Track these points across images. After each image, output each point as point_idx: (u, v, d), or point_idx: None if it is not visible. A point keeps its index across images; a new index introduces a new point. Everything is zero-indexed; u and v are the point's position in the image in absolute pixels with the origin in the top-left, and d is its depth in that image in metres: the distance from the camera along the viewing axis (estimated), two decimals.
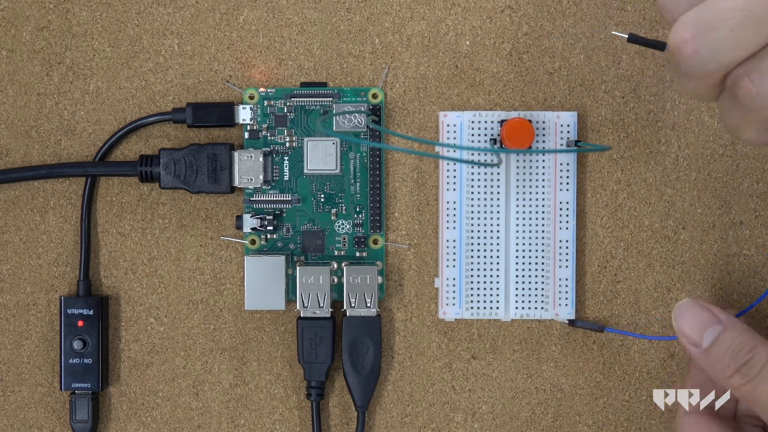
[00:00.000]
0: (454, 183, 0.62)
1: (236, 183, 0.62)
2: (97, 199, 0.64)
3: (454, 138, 0.62)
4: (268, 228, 0.62)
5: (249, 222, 0.63)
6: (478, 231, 0.62)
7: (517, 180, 0.62)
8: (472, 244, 0.62)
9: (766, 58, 0.47)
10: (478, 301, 0.62)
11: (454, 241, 0.62)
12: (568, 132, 0.62)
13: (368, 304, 0.62)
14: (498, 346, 0.64)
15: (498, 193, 0.62)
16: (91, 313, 0.62)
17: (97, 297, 0.63)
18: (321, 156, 0.63)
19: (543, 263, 0.62)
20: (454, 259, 0.62)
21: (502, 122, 0.61)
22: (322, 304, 0.62)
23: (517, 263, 0.62)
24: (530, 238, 0.62)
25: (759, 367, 0.53)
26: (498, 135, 0.62)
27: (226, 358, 0.64)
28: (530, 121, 0.61)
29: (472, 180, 0.62)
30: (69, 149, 0.63)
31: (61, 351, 0.62)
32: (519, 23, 0.63)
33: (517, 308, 0.62)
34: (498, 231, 0.62)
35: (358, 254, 0.63)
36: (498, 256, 0.62)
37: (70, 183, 0.64)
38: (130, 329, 0.64)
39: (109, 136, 0.63)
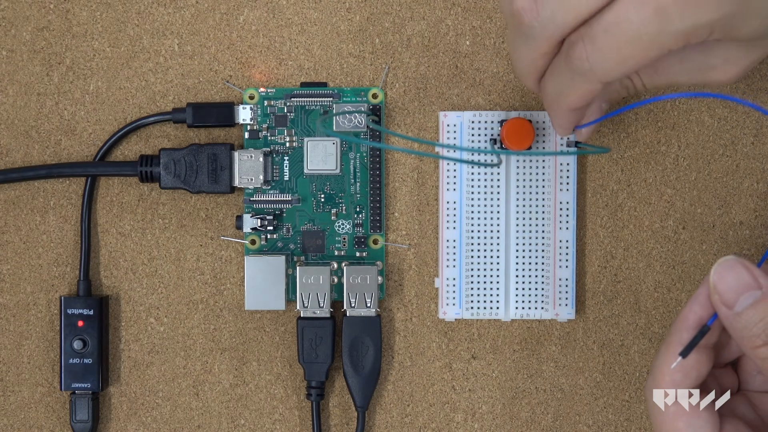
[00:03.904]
0: (454, 183, 0.62)
1: (236, 183, 0.62)
2: (97, 199, 0.64)
3: (454, 138, 0.62)
4: (268, 228, 0.62)
5: (249, 222, 0.63)
6: (478, 231, 0.62)
7: (517, 180, 0.62)
8: (472, 244, 0.62)
9: (597, 22, 0.49)
10: (478, 301, 0.62)
11: (454, 241, 0.62)
12: None
13: (368, 304, 0.62)
14: (498, 346, 0.64)
15: (498, 193, 0.62)
16: (91, 313, 0.62)
17: (97, 297, 0.63)
18: (321, 156, 0.63)
19: (543, 263, 0.62)
20: (454, 259, 0.62)
21: (502, 122, 0.61)
22: (322, 304, 0.62)
23: (517, 263, 0.62)
24: (530, 238, 0.62)
25: None
26: (498, 135, 0.62)
27: (226, 358, 0.64)
28: (530, 121, 0.61)
29: (472, 180, 0.62)
30: (69, 149, 0.63)
31: (61, 351, 0.62)
32: None
33: (517, 308, 0.62)
34: (498, 231, 0.62)
35: (358, 254, 0.63)
36: (498, 256, 0.62)
37: (70, 183, 0.64)
38: (130, 329, 0.64)
39: (109, 136, 0.63)
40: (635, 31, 0.49)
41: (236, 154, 0.62)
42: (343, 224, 0.63)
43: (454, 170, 0.62)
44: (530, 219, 0.62)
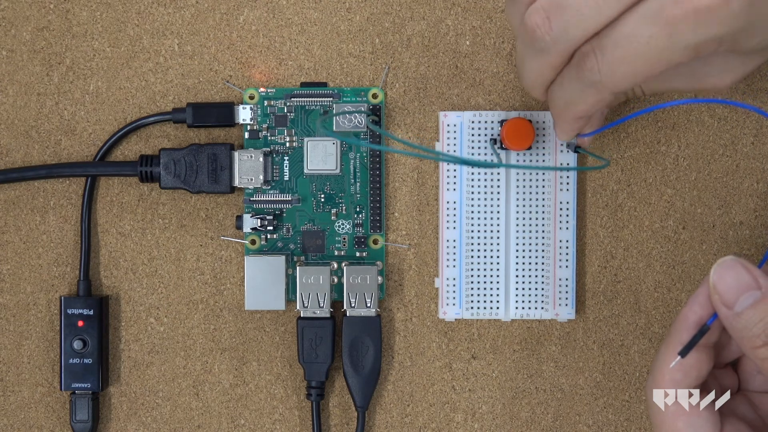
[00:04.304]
0: (454, 183, 0.62)
1: (236, 183, 0.62)
2: (97, 199, 0.64)
3: (455, 138, 0.62)
4: (268, 228, 0.63)
5: (249, 222, 0.63)
6: (478, 231, 0.62)
7: (517, 180, 0.62)
8: (472, 244, 0.62)
9: (608, 35, 0.50)
10: (478, 301, 0.62)
11: (454, 241, 0.62)
12: None
13: (368, 304, 0.62)
14: (498, 346, 0.64)
15: (498, 193, 0.62)
16: (91, 313, 0.62)
17: (97, 297, 0.63)
18: (321, 156, 0.63)
19: (543, 263, 0.62)
20: (454, 259, 0.62)
21: (502, 122, 0.61)
22: (322, 304, 0.62)
23: (517, 263, 0.62)
24: (530, 238, 0.62)
25: None
26: (498, 135, 0.62)
27: (226, 358, 0.64)
28: (530, 121, 0.61)
29: (472, 180, 0.62)
30: (69, 149, 0.63)
31: (61, 351, 0.62)
32: None
33: (517, 308, 0.62)
34: (498, 231, 0.62)
35: (358, 254, 0.63)
36: (498, 256, 0.62)
37: (70, 183, 0.64)
38: (130, 329, 0.64)
39: (109, 136, 0.63)
40: (645, 45, 0.49)
41: (236, 154, 0.62)
42: (343, 224, 0.63)
43: (454, 170, 0.62)
44: (530, 219, 0.62)
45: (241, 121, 0.63)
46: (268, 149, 0.63)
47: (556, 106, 0.55)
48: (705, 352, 0.53)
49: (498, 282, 0.62)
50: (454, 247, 0.62)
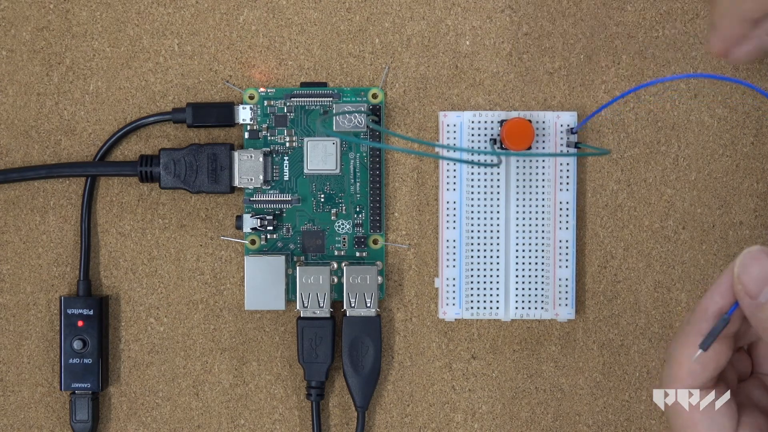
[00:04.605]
0: (454, 183, 0.62)
1: (236, 183, 0.62)
2: (97, 199, 0.64)
3: (454, 138, 0.62)
4: (268, 228, 0.62)
5: (249, 222, 0.63)
6: (478, 231, 0.62)
7: (517, 180, 0.62)
8: (472, 244, 0.62)
9: None
10: (478, 301, 0.62)
11: (454, 241, 0.62)
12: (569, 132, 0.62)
13: (368, 304, 0.62)
14: (498, 346, 0.64)
15: (498, 193, 0.62)
16: (91, 313, 0.62)
17: (97, 297, 0.63)
18: (321, 156, 0.63)
19: (543, 263, 0.62)
20: (454, 259, 0.62)
21: (502, 122, 0.61)
22: (322, 304, 0.62)
23: (517, 263, 0.62)
24: (530, 238, 0.62)
25: None
26: (498, 135, 0.62)
27: (226, 358, 0.64)
28: (530, 121, 0.61)
29: (472, 180, 0.62)
30: (69, 149, 0.64)
31: (61, 351, 0.62)
32: (519, 23, 0.63)
33: (517, 308, 0.62)
34: (498, 231, 0.62)
35: (358, 254, 0.63)
36: (498, 256, 0.62)
37: (70, 183, 0.64)
38: (130, 329, 0.64)
39: (109, 136, 0.63)
40: None
41: (236, 154, 0.62)
42: (343, 224, 0.63)
43: (454, 170, 0.62)
44: (530, 219, 0.62)
45: (241, 121, 0.63)
46: (268, 149, 0.63)
47: (721, 3, 0.55)
48: (725, 343, 0.52)
49: (498, 282, 0.62)
50: (454, 247, 0.62)
